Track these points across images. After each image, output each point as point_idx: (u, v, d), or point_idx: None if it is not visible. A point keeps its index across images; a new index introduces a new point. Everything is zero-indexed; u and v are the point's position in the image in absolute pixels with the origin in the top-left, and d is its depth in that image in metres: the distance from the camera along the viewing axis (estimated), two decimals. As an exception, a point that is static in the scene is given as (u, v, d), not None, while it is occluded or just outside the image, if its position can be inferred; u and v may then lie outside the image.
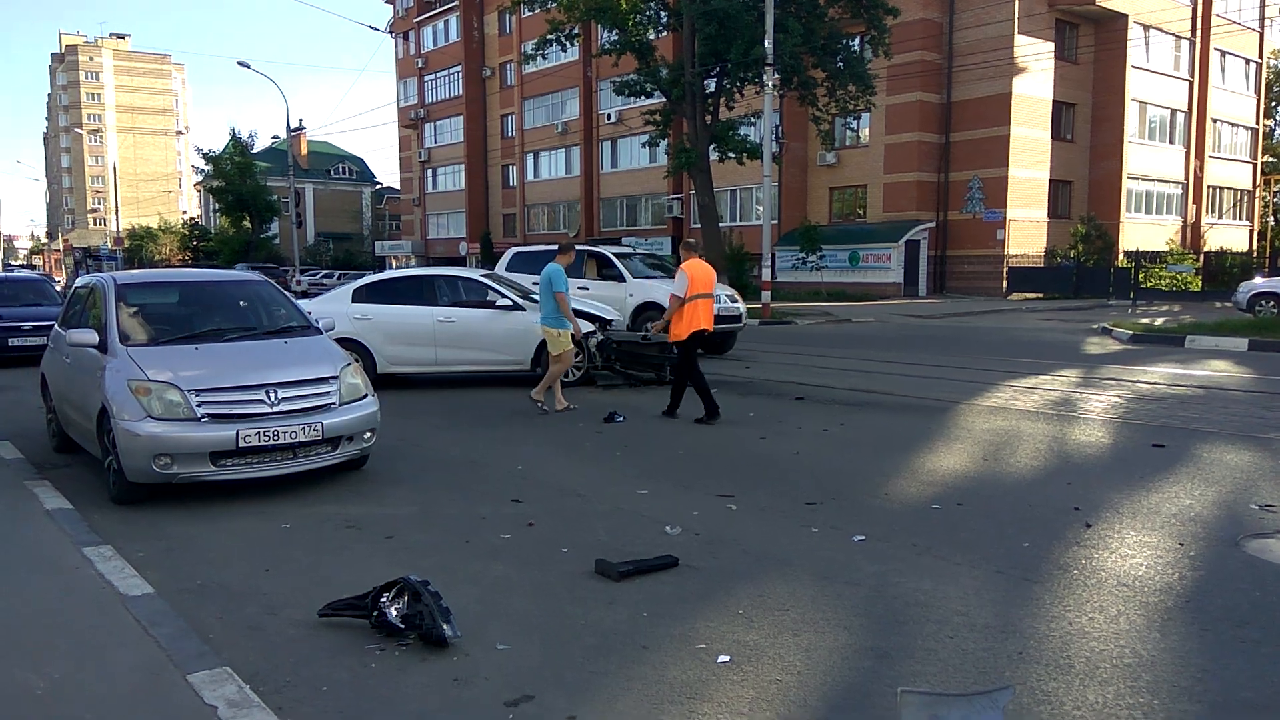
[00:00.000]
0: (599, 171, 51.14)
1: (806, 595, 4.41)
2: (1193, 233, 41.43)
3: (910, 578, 4.60)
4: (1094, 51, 38.11)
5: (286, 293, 8.16)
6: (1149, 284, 33.69)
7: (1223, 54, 42.26)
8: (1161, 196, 40.69)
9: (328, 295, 12.72)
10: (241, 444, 6.20)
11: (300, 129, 65.82)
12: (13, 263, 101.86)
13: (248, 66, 44.57)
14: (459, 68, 60.27)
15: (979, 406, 9.90)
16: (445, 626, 3.88)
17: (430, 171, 65.11)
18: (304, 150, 77.73)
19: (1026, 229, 36.49)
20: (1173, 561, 4.84)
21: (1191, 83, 40.81)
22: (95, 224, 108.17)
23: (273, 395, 6.43)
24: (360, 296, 11.93)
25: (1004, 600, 4.31)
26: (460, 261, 54.65)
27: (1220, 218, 43.62)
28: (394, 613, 4.05)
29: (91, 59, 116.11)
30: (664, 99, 27.99)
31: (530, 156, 55.71)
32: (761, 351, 16.27)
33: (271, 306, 7.88)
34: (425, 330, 11.73)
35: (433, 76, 62.92)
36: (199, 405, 6.23)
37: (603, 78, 48.62)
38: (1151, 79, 38.93)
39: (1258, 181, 45.84)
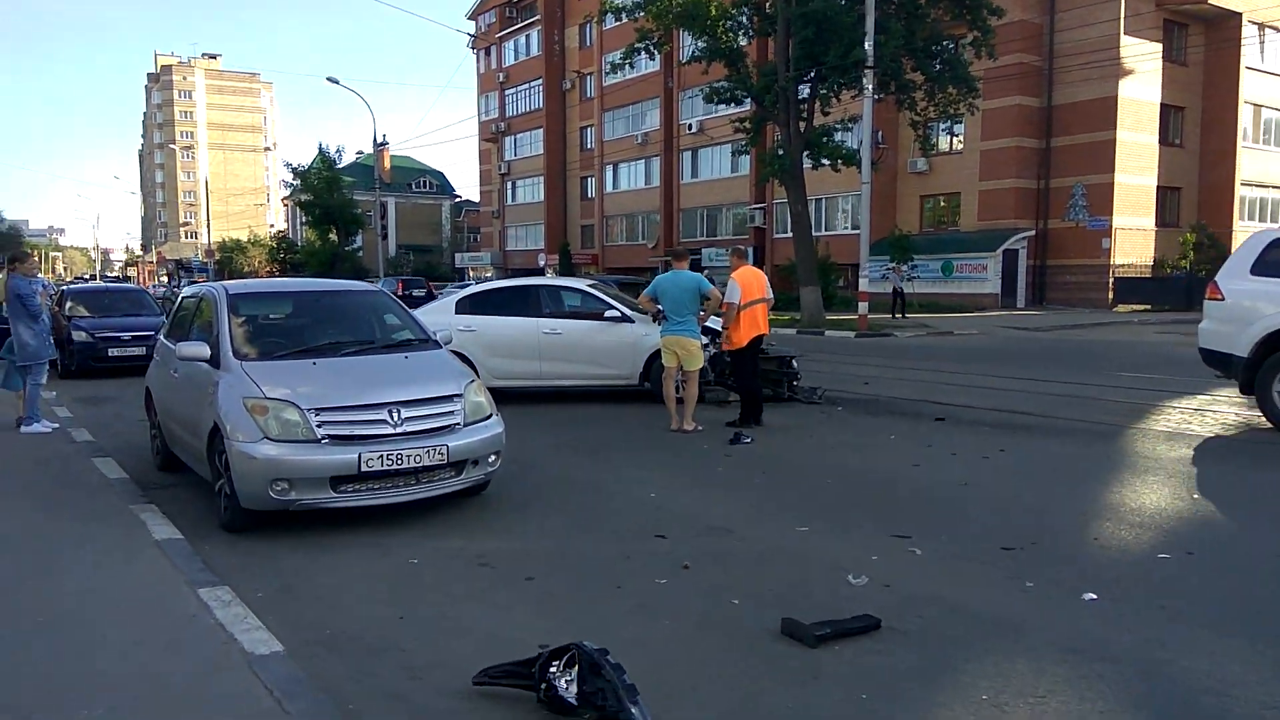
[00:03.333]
0: (679, 182, 50.52)
1: (1060, 675, 3.60)
2: (1313, 241, 38.86)
3: (1178, 653, 3.76)
4: (1204, 52, 36.13)
5: (401, 303, 7.63)
6: (1268, 296, 31.60)
7: (1347, 51, 39.66)
8: (1276, 203, 38.33)
9: (430, 306, 12.26)
10: (364, 468, 5.65)
11: (384, 144, 66.57)
12: (108, 274, 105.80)
13: (336, 82, 45.12)
14: (539, 81, 60.43)
15: (1151, 431, 8.89)
16: (634, 709, 3.18)
17: (510, 184, 65.39)
18: (387, 165, 78.74)
19: (1133, 237, 34.65)
20: None
21: (1312, 83, 38.37)
22: (187, 237, 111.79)
23: (395, 415, 5.87)
24: (464, 308, 11.44)
25: (1314, 687, 3.45)
26: (538, 273, 54.57)
27: (1343, 225, 40.91)
28: (565, 685, 3.38)
29: (185, 78, 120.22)
30: (754, 106, 27.21)
31: (609, 168, 55.40)
32: (871, 366, 15.36)
33: (388, 318, 7.36)
34: (530, 342, 11.18)
35: (513, 90, 63.26)
36: (319, 425, 5.69)
37: (684, 87, 48.11)
38: (1266, 80, 36.70)
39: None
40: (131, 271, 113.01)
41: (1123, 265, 34.47)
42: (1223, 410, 10.16)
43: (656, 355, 11.05)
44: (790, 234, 40.51)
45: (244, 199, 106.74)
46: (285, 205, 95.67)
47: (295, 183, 59.46)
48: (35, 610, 4.29)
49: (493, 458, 6.32)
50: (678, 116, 49.35)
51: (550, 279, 12.81)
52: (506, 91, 63.81)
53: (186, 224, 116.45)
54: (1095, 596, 4.42)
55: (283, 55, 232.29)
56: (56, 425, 9.26)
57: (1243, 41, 35.32)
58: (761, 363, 11.23)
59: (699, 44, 27.64)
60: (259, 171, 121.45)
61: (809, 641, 3.93)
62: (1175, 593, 4.46)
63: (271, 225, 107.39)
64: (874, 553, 5.18)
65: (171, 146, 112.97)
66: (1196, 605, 4.29)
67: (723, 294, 9.35)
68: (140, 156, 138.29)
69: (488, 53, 65.71)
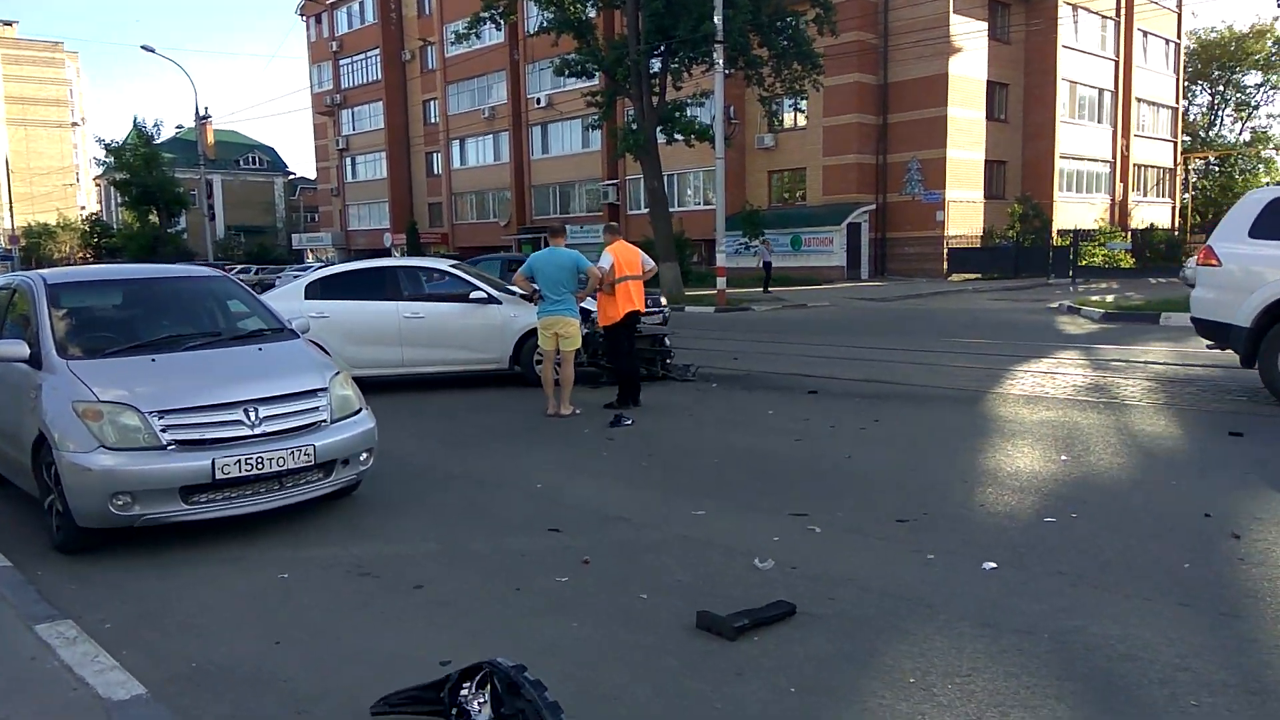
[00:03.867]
0: (529, 158, 49.74)
1: (980, 651, 3.57)
2: (1120, 211, 42.23)
3: (1087, 619, 3.80)
4: (1025, 30, 38.36)
5: (249, 290, 6.97)
6: (1083, 262, 34.08)
7: (1145, 34, 43.08)
8: (1091, 175, 41.34)
9: (276, 292, 11.42)
10: (219, 475, 5.09)
11: (206, 117, 62.40)
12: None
13: (152, 50, 41.90)
14: (376, 51, 58.04)
15: (1010, 395, 9.25)
16: (560, 730, 2.92)
17: (349, 160, 62.70)
18: (211, 140, 73.96)
19: (964, 210, 36.58)
20: (1360, 580, 4.17)
21: (1117, 62, 41.47)
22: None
23: (253, 414, 5.32)
24: (314, 292, 10.71)
25: (1216, 646, 3.54)
26: (384, 253, 52.60)
27: (1145, 196, 44.58)
28: (479, 708, 3.07)
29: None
30: (605, 79, 26.95)
31: (456, 143, 53.95)
32: (735, 340, 15.49)
33: (234, 306, 6.70)
34: (390, 328, 10.59)
35: (348, 60, 60.48)
36: (163, 430, 5.08)
37: (531, 60, 47.25)
38: (1080, 59, 39.40)
39: (1178, 160, 47.01)
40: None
41: (955, 236, 36.34)
42: (1071, 373, 10.72)
43: (526, 337, 10.76)
44: (646, 210, 40.91)
45: (51, 179, 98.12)
46: (98, 185, 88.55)
47: (109, 160, 54.97)
48: None
49: (364, 456, 5.86)
50: (525, 90, 48.47)
51: (409, 259, 12.12)
52: (341, 62, 60.92)
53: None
54: (995, 565, 4.46)
55: (91, 22, 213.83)
56: None
57: (1059, 20, 37.69)
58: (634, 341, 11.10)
59: (546, 14, 27.12)
60: (66, 149, 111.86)
61: (727, 634, 3.76)
62: (1069, 557, 4.55)
63: (83, 208, 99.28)
64: (774, 533, 5.08)
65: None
66: (1091, 569, 4.39)
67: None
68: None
69: (318, 20, 62.51)
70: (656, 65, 26.00)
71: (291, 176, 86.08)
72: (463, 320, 10.74)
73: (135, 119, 62.65)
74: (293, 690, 3.49)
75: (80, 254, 69.50)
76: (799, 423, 8.18)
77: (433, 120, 55.91)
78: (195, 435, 5.15)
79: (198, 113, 45.60)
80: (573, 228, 46.06)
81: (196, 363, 5.71)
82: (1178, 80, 46.51)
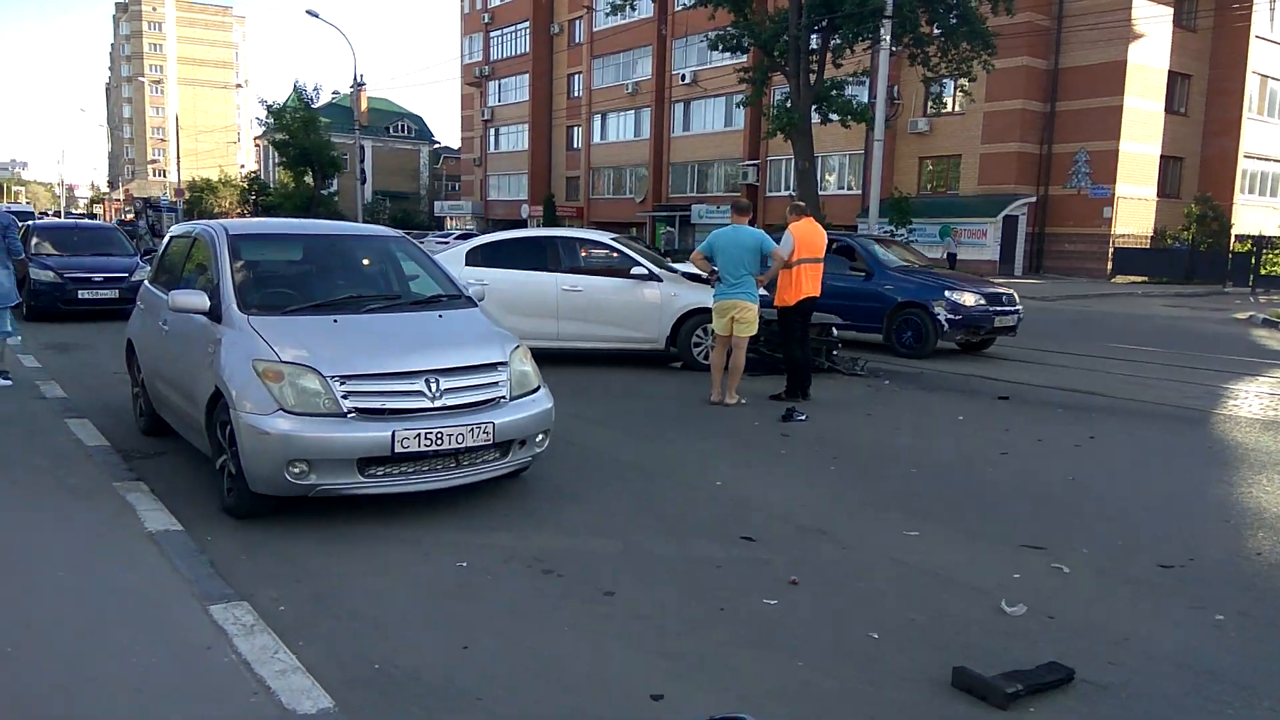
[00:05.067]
0: (669, 135, 49.17)
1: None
2: (1309, 218, 38.56)
3: None
4: (1214, 18, 35.26)
5: (426, 252, 6.64)
6: (1265, 270, 31.24)
7: (1350, 25, 38.99)
8: (1278, 178, 37.86)
9: (439, 256, 11.23)
10: (398, 449, 4.74)
11: (361, 84, 64.58)
12: (73, 211, 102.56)
13: (316, 15, 43.13)
14: (526, 24, 58.45)
15: (1242, 418, 8.18)
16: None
17: (493, 131, 63.55)
18: (364, 106, 76.60)
19: (1134, 208, 34.05)
20: None
21: (1316, 55, 37.71)
22: (155, 175, 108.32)
23: (434, 385, 4.95)
24: (475, 259, 10.44)
25: None
26: (521, 224, 53.13)
27: (1336, 202, 40.57)
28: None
29: (155, 9, 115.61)
30: (759, 55, 26.06)
31: (598, 118, 53.86)
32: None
33: (411, 269, 6.39)
34: (547, 300, 10.24)
35: (499, 32, 61.17)
36: (344, 397, 4.76)
37: (678, 35, 46.65)
38: (1273, 51, 36.01)
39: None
40: (97, 209, 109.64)
41: (1123, 235, 33.89)
42: (1294, 395, 9.48)
43: (685, 318, 10.25)
44: (787, 192, 39.82)
45: (214, 137, 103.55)
46: (257, 145, 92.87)
47: (270, 121, 57.31)
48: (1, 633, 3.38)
49: (540, 437, 5.43)
50: (670, 66, 47.84)
51: (570, 230, 11.74)
52: (491, 34, 61.69)
53: (154, 161, 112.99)
54: (1314, 640, 3.65)
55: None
56: (10, 383, 8.16)
57: (1254, 8, 34.50)
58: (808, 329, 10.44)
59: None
60: (229, 110, 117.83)
61: (996, 700, 3.12)
62: (1404, 635, 3.70)
63: (242, 166, 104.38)
64: (1011, 569, 4.38)
65: (141, 79, 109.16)
66: None
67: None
68: (107, 90, 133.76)
69: (472, -9, 63.45)
70: (815, 41, 24.96)
71: (437, 145, 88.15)
72: (620, 296, 10.28)
73: (295, 83, 64.94)
74: (490, 713, 3.05)
75: (238, 209, 73.07)
76: (998, 433, 7.36)
77: (576, 94, 55.99)
78: (376, 404, 4.81)
79: (355, 78, 46.94)
80: (708, 208, 45.60)
81: (378, 326, 5.38)
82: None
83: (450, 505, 5.15)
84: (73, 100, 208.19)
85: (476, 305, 6.04)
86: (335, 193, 61.13)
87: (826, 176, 39.86)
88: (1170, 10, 33.58)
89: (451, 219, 67.53)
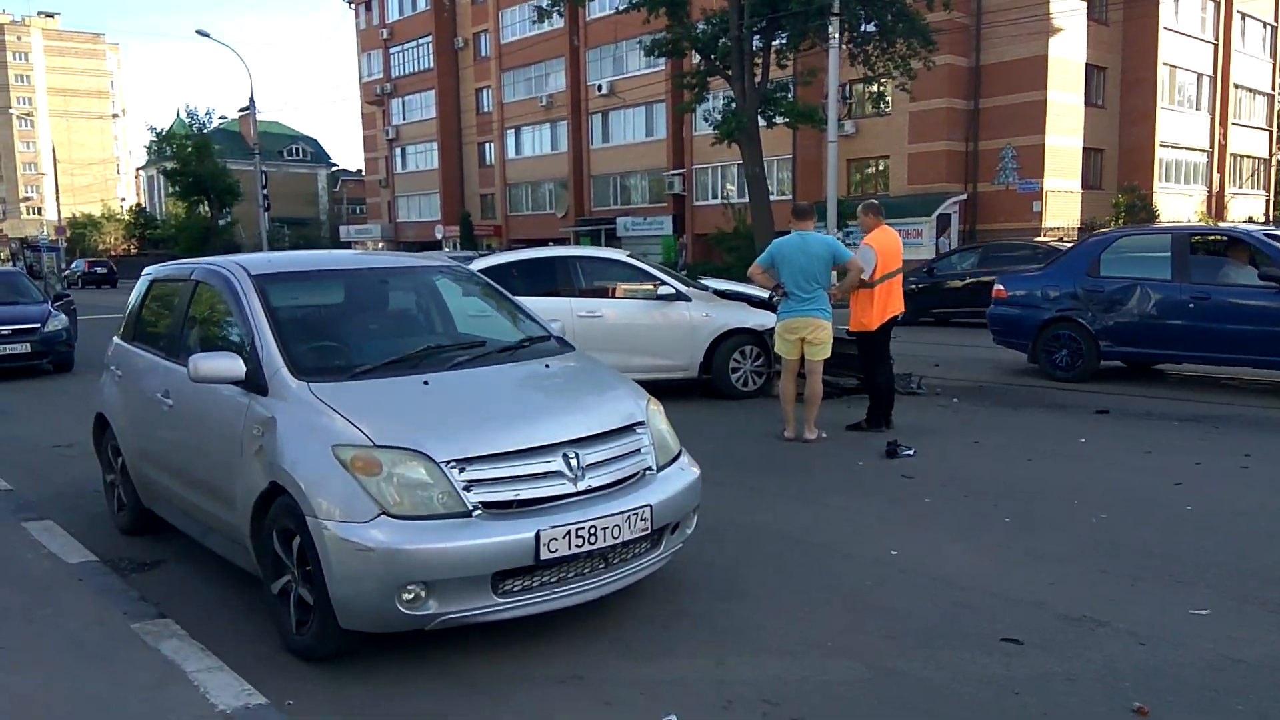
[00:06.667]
0: (589, 147, 48.01)
1: None
2: (1217, 203, 39.89)
3: None
4: (1123, 11, 36.11)
5: (492, 282, 5.33)
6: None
7: (1244, 16, 40.66)
8: (1189, 165, 39.02)
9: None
10: (545, 553, 3.47)
11: (249, 107, 61.56)
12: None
13: (207, 35, 40.51)
14: (429, 38, 56.52)
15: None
16: None
17: (399, 150, 61.26)
18: (253, 130, 73.14)
19: (1061, 200, 34.45)
20: None
21: (1216, 46, 39.09)
22: (30, 213, 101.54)
23: (573, 462, 3.69)
24: (476, 286, 9.09)
25: None
26: (436, 246, 51.12)
27: (1240, 187, 42.19)
28: None
29: (19, 39, 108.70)
30: (700, 59, 25.18)
31: (511, 132, 52.36)
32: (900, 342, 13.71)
33: (479, 306, 5.09)
34: (564, 328, 8.94)
35: (399, 48, 59.03)
36: (466, 488, 3.47)
37: (591, 46, 45.64)
38: (1181, 41, 37.08)
39: (1274, 149, 44.52)
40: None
41: (1053, 229, 34.21)
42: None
43: (720, 341, 9.14)
44: (715, 200, 39.14)
45: (93, 170, 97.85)
46: (138, 177, 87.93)
47: (158, 149, 54.01)
48: None
49: (693, 517, 4.22)
50: (585, 77, 46.75)
51: (582, 249, 10.50)
52: (391, 50, 59.48)
53: (28, 199, 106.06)
54: None
55: (129, 13, 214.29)
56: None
57: (1160, 1, 35.43)
58: (847, 346, 9.44)
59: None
60: (108, 141, 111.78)
61: None
62: None
63: (123, 199, 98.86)
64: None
65: (9, 112, 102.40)
66: None
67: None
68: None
69: (368, 7, 61.09)
70: (756, 42, 24.20)
71: (335, 168, 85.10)
72: (646, 320, 9.11)
73: (186, 106, 61.56)
74: None
75: (124, 245, 68.84)
76: (1140, 456, 6.45)
77: (486, 109, 54.39)
78: (508, 494, 3.53)
79: (252, 100, 44.41)
80: (634, 219, 44.62)
81: (479, 387, 4.07)
82: (1274, 65, 43.98)
83: (594, 618, 3.89)
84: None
85: (573, 347, 4.79)
86: (234, 221, 57.95)
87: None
88: (1084, 4, 34.17)
89: (359, 244, 64.83)
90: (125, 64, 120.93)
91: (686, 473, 4.17)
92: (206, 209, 53.84)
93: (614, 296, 9.27)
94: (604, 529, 3.62)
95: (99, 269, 52.68)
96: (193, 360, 3.99)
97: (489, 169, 55.23)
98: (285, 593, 3.70)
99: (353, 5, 62.60)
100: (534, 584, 3.55)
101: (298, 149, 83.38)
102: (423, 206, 60.14)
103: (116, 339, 5.51)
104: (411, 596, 3.36)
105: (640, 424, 4.08)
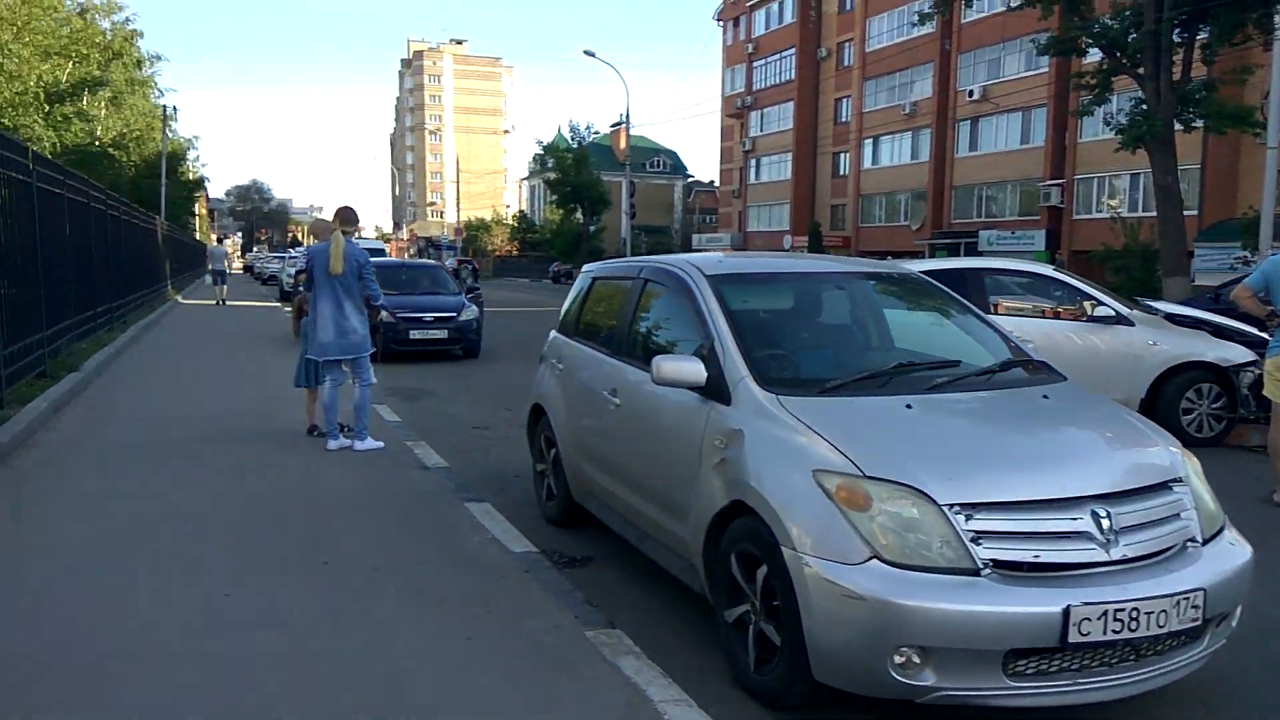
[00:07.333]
0: (952, 156, 45.49)
1: None
2: None
3: None
4: None
5: (951, 292, 4.72)
6: None
7: None
8: None
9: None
10: (1074, 636, 2.78)
11: (621, 123, 65.73)
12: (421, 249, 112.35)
13: (593, 55, 43.84)
14: (792, 50, 56.87)
15: None
16: None
17: (754, 161, 62.32)
18: (623, 144, 78.34)
19: None
20: None
21: None
22: (433, 216, 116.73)
23: (1103, 522, 2.96)
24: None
25: None
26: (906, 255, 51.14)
27: None
28: None
29: (434, 64, 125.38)
30: (1105, 57, 22.57)
31: (869, 142, 51.08)
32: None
33: (934, 319, 4.49)
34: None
35: (762, 62, 60.03)
36: (975, 540, 2.88)
37: (964, 50, 43.17)
38: None
39: None
40: (385, 248, 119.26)
41: None
42: None
43: (1169, 375, 7.76)
44: (1098, 214, 35.14)
45: (485, 180, 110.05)
46: (520, 185, 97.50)
47: (543, 159, 59.34)
48: None
49: (1237, 610, 3.29)
50: (955, 83, 44.32)
51: (998, 260, 9.54)
52: (755, 63, 60.66)
53: (433, 203, 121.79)
54: None
55: (521, 37, 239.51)
56: (381, 445, 7.06)
57: None
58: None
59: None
60: (498, 154, 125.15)
61: None
62: None
63: (508, 206, 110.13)
64: None
65: (422, 128, 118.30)
66: None
67: None
68: (392, 139, 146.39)
69: (735, 24, 62.87)
70: (1177, 36, 21.20)
71: (690, 179, 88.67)
72: (1078, 346, 7.96)
73: (570, 122, 67.21)
74: None
75: (507, 247, 76.50)
76: None
77: (844, 119, 53.59)
78: (1024, 554, 2.89)
79: (626, 116, 47.25)
80: (1000, 233, 41.47)
81: (973, 417, 3.48)
82: None
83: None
84: (361, 150, 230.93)
85: (1065, 376, 4.01)
86: (602, 228, 62.26)
87: (1137, 196, 34.95)
88: None
89: (711, 251, 66.89)
90: (515, 84, 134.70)
91: (1238, 549, 3.27)
92: (580, 216, 58.24)
93: (1036, 315, 8.20)
94: (1148, 614, 2.86)
95: (467, 266, 59.04)
96: (656, 362, 3.78)
97: (842, 179, 54.38)
98: (742, 623, 3.36)
99: (721, 23, 64.69)
100: (1050, 668, 2.88)
101: (659, 161, 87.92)
102: (772, 216, 60.69)
103: (555, 333, 5.60)
104: (904, 660, 2.84)
105: (1178, 481, 3.26)
